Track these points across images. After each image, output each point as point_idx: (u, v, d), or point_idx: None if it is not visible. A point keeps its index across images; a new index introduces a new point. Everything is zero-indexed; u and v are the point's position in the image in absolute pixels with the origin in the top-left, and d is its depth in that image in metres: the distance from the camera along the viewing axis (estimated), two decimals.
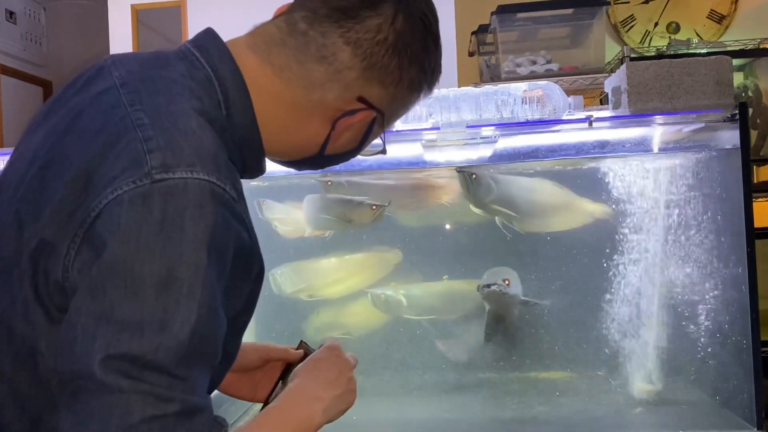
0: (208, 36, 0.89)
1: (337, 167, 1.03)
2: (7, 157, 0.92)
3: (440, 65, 0.93)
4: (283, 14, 0.89)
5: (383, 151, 0.99)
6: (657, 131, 1.77)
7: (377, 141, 0.98)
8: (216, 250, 0.73)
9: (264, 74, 0.86)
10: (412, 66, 0.87)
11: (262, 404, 1.02)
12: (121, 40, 3.48)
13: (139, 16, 3.50)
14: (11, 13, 4.27)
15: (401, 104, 0.92)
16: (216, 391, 0.92)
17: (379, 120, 0.91)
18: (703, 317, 1.81)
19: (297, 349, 1.06)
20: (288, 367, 1.04)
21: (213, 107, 0.83)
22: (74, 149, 0.78)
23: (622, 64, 2.63)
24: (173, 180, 0.72)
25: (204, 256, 0.72)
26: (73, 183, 0.75)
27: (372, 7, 0.85)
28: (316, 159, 0.93)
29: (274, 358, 1.07)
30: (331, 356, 0.98)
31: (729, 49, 2.97)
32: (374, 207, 2.00)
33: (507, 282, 1.93)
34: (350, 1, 0.85)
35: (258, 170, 0.91)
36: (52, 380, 0.76)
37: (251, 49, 0.87)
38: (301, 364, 0.98)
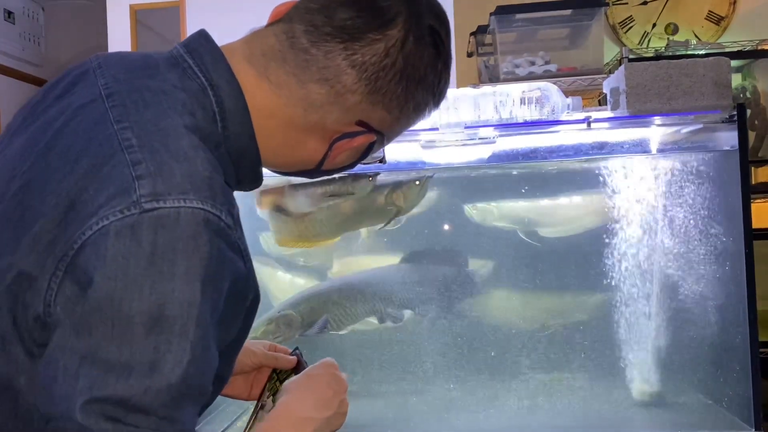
0: (201, 39, 0.83)
1: None
2: None
3: (448, 81, 0.88)
4: (282, 23, 0.82)
5: (383, 161, 0.97)
6: (655, 132, 1.77)
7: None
8: (210, 284, 0.69)
9: (261, 89, 0.81)
10: (419, 89, 0.83)
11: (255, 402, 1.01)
12: (119, 39, 3.47)
13: (137, 15, 3.49)
14: (9, 13, 4.26)
15: (405, 125, 0.88)
16: None
17: (379, 141, 0.87)
18: (701, 318, 1.81)
19: (291, 355, 1.03)
20: (276, 370, 1.02)
21: (207, 121, 0.78)
22: (55, 171, 0.72)
23: (620, 65, 2.63)
24: (164, 209, 0.67)
25: (198, 292, 0.67)
26: (54, 210, 0.70)
27: (380, 29, 0.79)
28: (313, 172, 0.90)
29: (266, 365, 1.03)
30: (326, 374, 0.94)
31: (727, 50, 2.97)
32: (417, 182, 1.77)
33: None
34: (356, 22, 0.79)
35: (255, 182, 0.87)
36: (34, 415, 0.72)
37: (248, 60, 0.82)
38: (294, 377, 0.95)
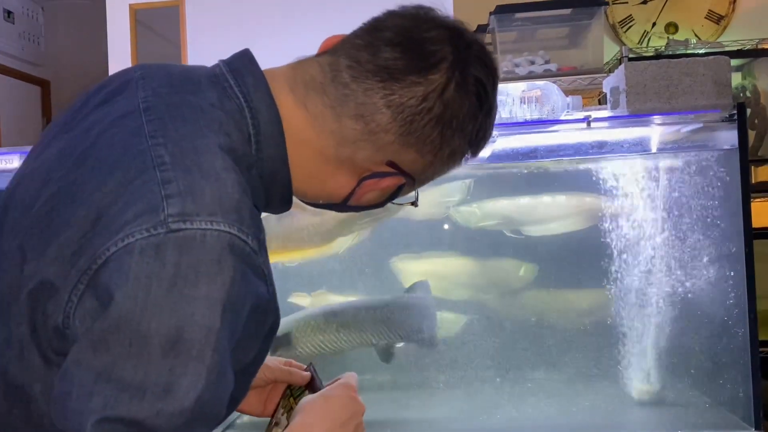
0: (245, 60, 0.83)
1: None
2: (5, 157, 0.88)
3: (491, 131, 0.86)
4: (329, 55, 0.82)
5: (415, 203, 0.92)
6: (655, 131, 1.77)
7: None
8: (231, 309, 0.68)
9: (297, 117, 0.81)
10: (456, 136, 0.81)
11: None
12: (119, 39, 3.47)
13: (137, 15, 3.49)
14: (9, 13, 4.27)
15: (438, 171, 0.86)
16: None
17: (409, 184, 0.86)
18: (701, 317, 1.81)
19: (305, 370, 1.01)
20: (290, 386, 1.00)
21: (242, 142, 0.77)
22: (87, 182, 0.72)
23: (620, 64, 2.64)
24: (190, 231, 0.67)
25: (217, 317, 0.67)
26: (82, 221, 0.70)
27: (422, 72, 0.78)
28: (339, 207, 0.88)
29: (280, 380, 1.02)
30: (344, 396, 0.90)
31: (727, 49, 2.98)
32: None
33: None
34: (398, 63, 0.78)
35: (284, 206, 0.86)
36: (45, 422, 0.73)
37: (290, 87, 0.82)
38: (310, 396, 0.92)
